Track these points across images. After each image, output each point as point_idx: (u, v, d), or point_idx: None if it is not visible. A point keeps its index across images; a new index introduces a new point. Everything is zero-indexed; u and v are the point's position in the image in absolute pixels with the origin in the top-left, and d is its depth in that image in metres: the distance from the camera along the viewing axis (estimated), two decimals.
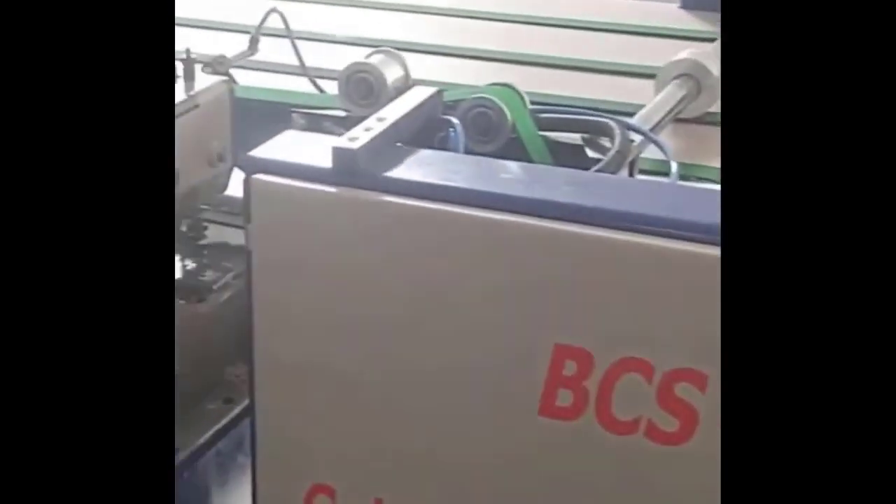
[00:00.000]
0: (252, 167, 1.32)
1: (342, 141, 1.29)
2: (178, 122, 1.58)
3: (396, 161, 1.30)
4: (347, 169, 1.27)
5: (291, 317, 1.33)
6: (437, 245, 1.23)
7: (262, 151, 1.33)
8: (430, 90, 1.44)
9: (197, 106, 1.61)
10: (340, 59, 1.99)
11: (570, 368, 1.19)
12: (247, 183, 1.31)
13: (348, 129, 1.67)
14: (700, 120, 1.88)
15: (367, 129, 1.32)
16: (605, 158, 1.42)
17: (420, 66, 1.74)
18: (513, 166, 1.31)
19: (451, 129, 1.41)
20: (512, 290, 1.21)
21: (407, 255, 1.25)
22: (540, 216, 1.19)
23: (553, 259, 1.18)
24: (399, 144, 1.35)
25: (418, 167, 1.29)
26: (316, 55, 1.95)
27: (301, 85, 1.92)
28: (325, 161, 1.29)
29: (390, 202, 1.25)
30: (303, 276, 1.31)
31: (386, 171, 1.27)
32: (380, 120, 1.35)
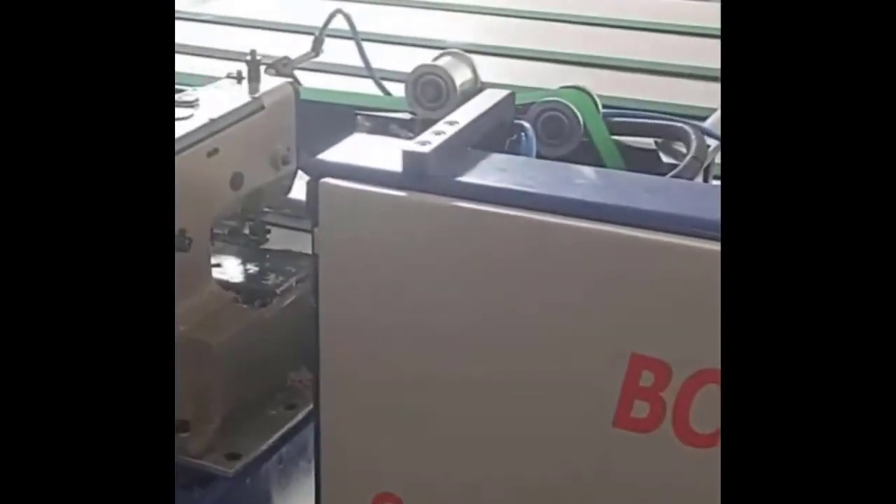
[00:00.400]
0: (320, 171, 1.29)
1: (413, 145, 1.27)
2: (243, 125, 1.56)
3: (468, 165, 1.27)
4: (418, 173, 1.25)
5: (359, 323, 1.31)
6: (510, 252, 1.21)
7: (331, 155, 1.31)
8: (502, 93, 1.41)
9: (262, 108, 1.59)
10: (405, 60, 1.98)
11: (646, 379, 1.16)
12: (315, 187, 1.29)
13: (414, 131, 1.67)
14: None
15: (438, 133, 1.30)
16: (682, 164, 1.39)
17: (487, 68, 1.71)
18: (589, 172, 1.28)
19: (522, 133, 1.38)
20: (588, 298, 1.18)
21: (479, 262, 1.22)
22: (618, 223, 1.16)
23: (631, 267, 1.16)
24: (470, 148, 1.33)
25: (491, 172, 1.26)
26: (380, 57, 1.93)
27: (365, 87, 1.90)
28: (395, 165, 1.26)
29: (462, 207, 1.22)
30: (371, 281, 1.29)
31: (458, 175, 1.25)
32: (451, 123, 1.33)
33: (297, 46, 1.87)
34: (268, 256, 1.69)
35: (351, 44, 1.91)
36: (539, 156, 1.39)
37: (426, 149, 1.26)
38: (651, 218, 1.16)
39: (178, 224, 1.42)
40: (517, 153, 1.38)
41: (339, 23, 1.86)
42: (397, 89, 1.86)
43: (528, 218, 1.19)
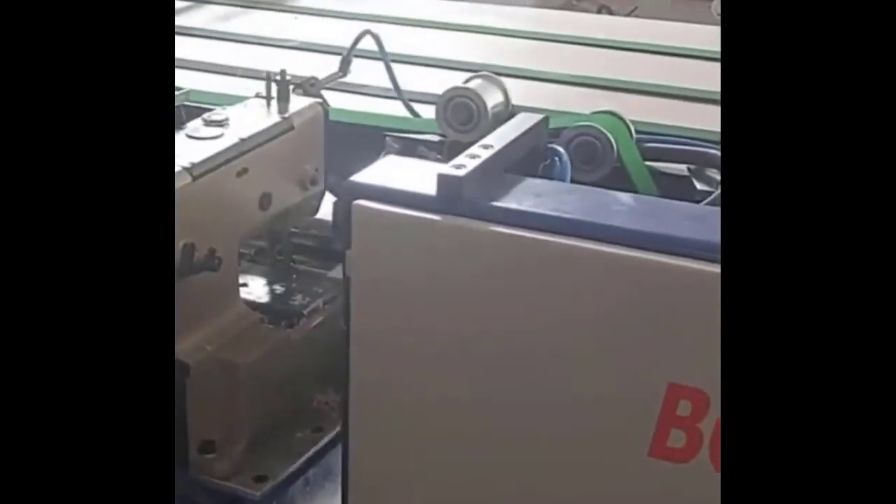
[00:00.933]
0: (353, 192, 1.29)
1: (448, 168, 1.26)
2: (272, 145, 1.56)
3: (504, 190, 1.26)
4: (453, 197, 1.24)
5: (390, 346, 1.30)
6: (546, 277, 1.20)
7: (364, 176, 1.31)
8: (536, 117, 1.41)
9: (292, 128, 1.59)
10: (433, 82, 1.98)
11: (684, 409, 1.15)
12: (348, 209, 1.28)
13: (443, 154, 1.66)
14: None
15: (473, 157, 1.29)
16: (717, 191, 1.38)
17: (516, 91, 1.71)
18: (626, 198, 1.27)
19: (556, 158, 1.37)
20: (625, 325, 1.17)
21: (514, 287, 1.22)
22: (657, 251, 1.15)
23: (669, 295, 1.15)
24: (504, 172, 1.32)
25: (526, 197, 1.25)
26: (407, 78, 1.93)
27: (392, 108, 1.89)
28: (429, 188, 1.26)
29: (498, 232, 1.22)
30: (403, 304, 1.28)
31: (493, 199, 1.24)
32: (485, 147, 1.32)
33: (315, 66, 1.87)
34: (294, 277, 1.68)
35: (376, 64, 1.91)
36: (572, 181, 1.38)
37: (461, 172, 1.25)
38: (690, 246, 1.15)
39: (208, 243, 1.42)
40: (551, 178, 1.37)
41: (366, 43, 1.86)
42: (424, 111, 1.85)
43: (565, 244, 1.18)
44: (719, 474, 1.14)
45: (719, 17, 4.37)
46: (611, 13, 5.28)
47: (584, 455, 1.22)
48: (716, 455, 1.15)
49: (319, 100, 1.68)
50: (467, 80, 1.64)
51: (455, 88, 1.60)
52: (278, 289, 1.65)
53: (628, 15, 4.85)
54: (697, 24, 2.59)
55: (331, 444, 1.51)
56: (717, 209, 1.34)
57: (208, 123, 1.54)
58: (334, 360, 1.50)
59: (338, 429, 1.49)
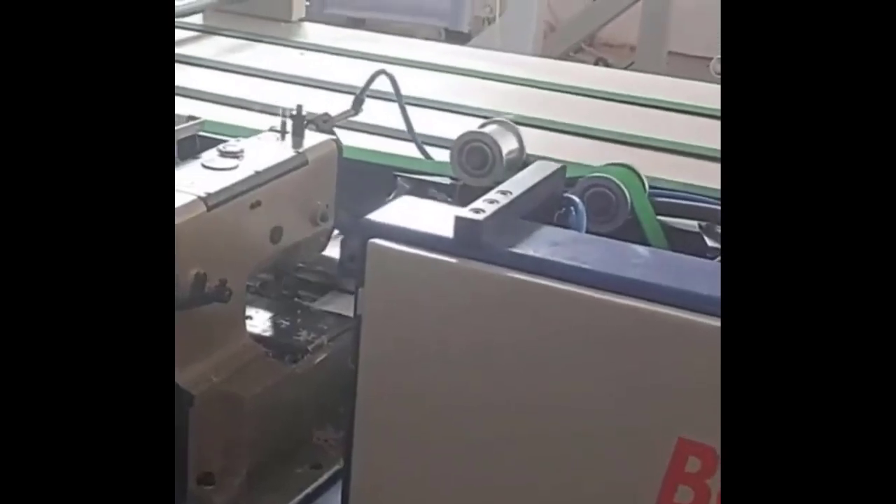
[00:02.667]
0: (369, 231, 1.28)
1: (465, 211, 1.26)
2: (286, 179, 1.55)
3: (521, 236, 1.26)
4: (470, 240, 1.24)
5: (398, 386, 1.29)
6: (561, 326, 1.19)
7: (380, 215, 1.30)
8: (553, 166, 1.41)
9: (306, 163, 1.58)
10: (439, 125, 1.98)
11: (693, 465, 1.15)
12: (363, 247, 1.28)
13: (454, 197, 1.66)
14: None
15: (491, 202, 1.29)
16: None
17: (527, 139, 1.71)
18: (643, 251, 1.27)
19: (572, 208, 1.37)
20: (638, 378, 1.17)
21: (528, 335, 1.21)
22: (672, 305, 1.15)
23: (684, 350, 1.15)
24: (521, 219, 1.32)
25: (544, 244, 1.25)
26: (420, 120, 1.93)
27: (401, 148, 1.89)
28: (446, 230, 1.26)
29: (514, 278, 1.21)
30: (414, 345, 1.27)
31: (510, 245, 1.24)
32: (503, 193, 1.32)
33: (323, 102, 1.87)
34: (299, 312, 1.67)
35: (386, 104, 1.91)
36: (587, 231, 1.38)
37: (480, 216, 1.25)
38: (705, 301, 1.15)
39: (219, 274, 1.41)
40: (566, 226, 1.37)
41: (381, 84, 1.86)
42: (434, 153, 1.85)
43: (581, 294, 1.18)
44: None
45: (718, 76, 4.40)
46: (607, 66, 5.32)
47: None
48: None
49: (334, 136, 1.67)
50: (483, 125, 1.64)
51: (471, 133, 1.60)
52: (283, 323, 1.64)
53: (625, 69, 4.88)
54: (703, 83, 2.60)
55: (330, 482, 1.50)
56: None
57: (223, 154, 1.54)
58: (335, 398, 1.51)
59: (336, 466, 1.48)
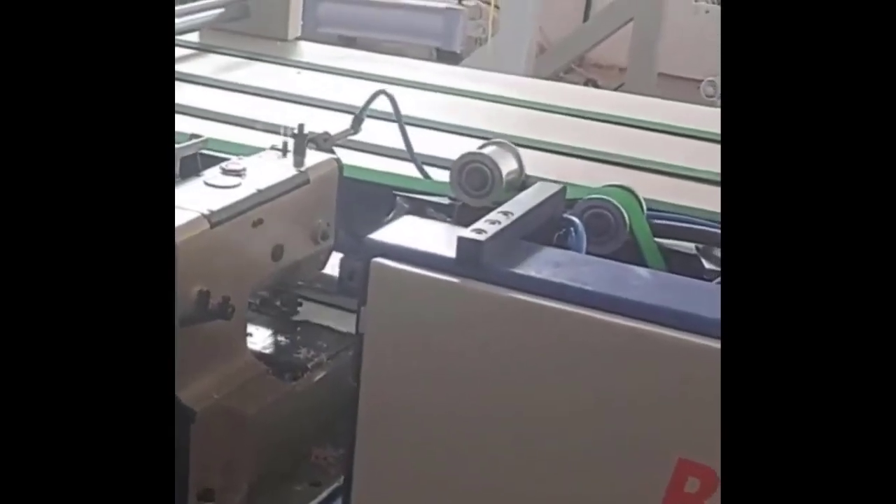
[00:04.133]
0: (372, 250, 1.29)
1: (467, 232, 1.27)
2: (288, 197, 1.56)
3: (522, 257, 1.27)
4: (472, 261, 1.25)
5: (400, 404, 1.30)
6: (562, 347, 1.20)
7: (383, 235, 1.31)
8: (554, 187, 1.42)
9: (308, 182, 1.59)
10: (436, 145, 1.98)
11: (692, 486, 1.16)
12: (367, 266, 1.28)
13: (453, 217, 1.67)
14: None
15: (493, 222, 1.30)
16: None
17: (526, 160, 1.71)
18: (643, 273, 1.28)
19: (572, 229, 1.38)
20: (639, 398, 1.17)
21: (529, 355, 1.22)
22: (672, 326, 1.16)
23: (684, 371, 1.15)
24: (521, 240, 1.33)
25: (545, 265, 1.26)
26: (418, 140, 1.93)
27: (400, 168, 1.89)
28: (448, 250, 1.26)
29: (515, 299, 1.22)
30: (416, 363, 1.28)
31: (512, 266, 1.25)
32: (505, 213, 1.33)
33: (321, 121, 1.87)
34: (299, 329, 1.67)
35: (386, 124, 1.91)
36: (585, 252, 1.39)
37: (482, 237, 1.26)
38: (705, 323, 1.15)
39: (222, 291, 1.41)
40: (565, 247, 1.38)
41: (381, 104, 1.86)
42: (431, 173, 1.85)
43: (583, 315, 1.19)
44: None
45: (709, 99, 4.42)
46: (597, 86, 5.34)
47: None
48: None
49: (335, 156, 1.68)
50: (482, 146, 1.64)
51: (471, 153, 1.60)
52: (283, 341, 1.64)
53: (615, 90, 4.90)
54: (696, 106, 2.61)
55: (329, 500, 1.50)
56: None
57: (226, 172, 1.54)
58: (334, 415, 1.51)
59: (336, 484, 1.48)
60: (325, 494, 1.51)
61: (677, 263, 1.49)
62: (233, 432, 1.43)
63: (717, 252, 1.48)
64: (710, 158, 2.10)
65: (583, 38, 5.67)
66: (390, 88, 1.95)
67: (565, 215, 1.41)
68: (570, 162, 1.99)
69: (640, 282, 1.25)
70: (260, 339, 1.63)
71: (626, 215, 1.46)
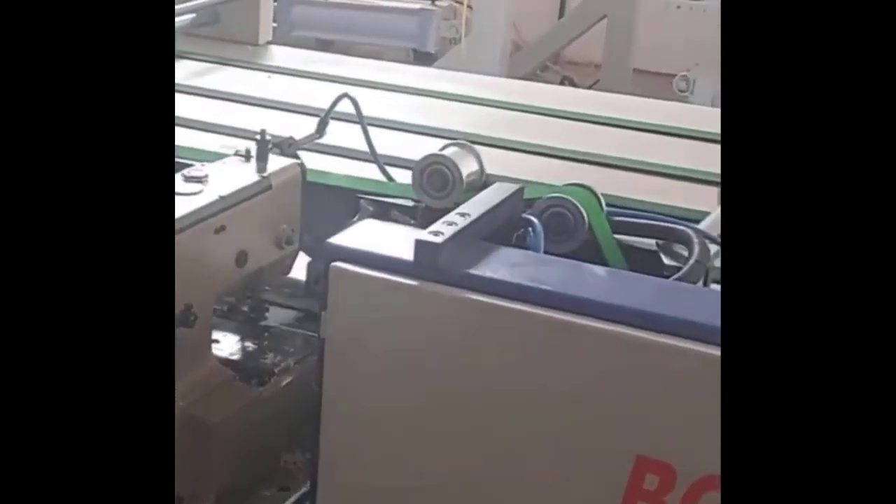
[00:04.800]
0: (331, 254, 1.28)
1: (425, 234, 1.26)
2: (251, 203, 1.55)
3: (480, 258, 1.26)
4: (430, 263, 1.24)
5: (361, 408, 1.29)
6: (521, 347, 1.19)
7: (342, 239, 1.30)
8: (512, 187, 1.41)
9: (270, 187, 1.58)
10: (406, 146, 1.98)
11: (651, 482, 1.15)
12: (326, 270, 1.28)
13: (416, 218, 1.66)
14: None
15: (450, 224, 1.29)
16: (686, 267, 1.38)
17: (489, 159, 1.71)
18: (600, 271, 1.27)
19: (530, 229, 1.37)
20: (596, 396, 1.17)
21: (488, 355, 1.21)
22: (631, 324, 1.15)
23: (641, 369, 1.15)
24: (480, 241, 1.32)
25: (503, 266, 1.25)
26: (387, 142, 1.93)
27: (367, 171, 1.89)
28: (407, 253, 1.25)
29: (473, 300, 1.21)
30: (377, 367, 1.27)
31: (470, 267, 1.24)
32: (462, 215, 1.32)
33: (288, 125, 1.86)
34: (266, 335, 1.66)
35: (353, 127, 1.90)
36: (545, 251, 1.38)
37: (439, 239, 1.25)
38: (662, 321, 1.15)
39: (184, 299, 1.40)
40: (524, 247, 1.37)
41: (340, 106, 1.85)
42: (396, 174, 1.85)
43: (540, 314, 1.18)
44: None
45: (682, 93, 4.42)
46: (573, 85, 5.32)
47: None
48: None
49: (298, 160, 1.67)
50: (443, 148, 1.63)
51: (431, 155, 1.59)
52: (249, 346, 1.63)
53: (590, 87, 4.89)
54: (664, 101, 2.61)
55: None
56: (687, 285, 1.35)
57: (188, 179, 1.53)
58: (303, 420, 1.49)
59: (304, 489, 1.47)
60: (293, 499, 1.50)
61: (638, 260, 1.48)
62: (199, 440, 1.41)
63: (677, 247, 1.48)
64: (678, 154, 2.10)
65: (557, 36, 5.64)
66: (361, 91, 1.95)
67: (524, 215, 1.40)
68: (540, 161, 1.99)
69: (597, 280, 1.25)
70: (227, 345, 1.62)
71: (584, 214, 1.45)
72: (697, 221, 1.64)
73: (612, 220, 1.49)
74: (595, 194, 1.51)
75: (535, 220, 1.38)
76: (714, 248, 1.49)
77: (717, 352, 1.11)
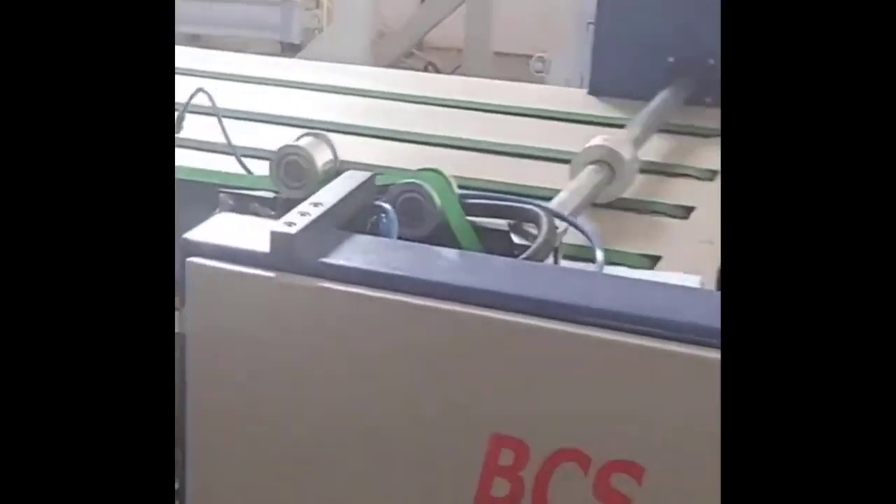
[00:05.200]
0: (187, 250, 1.25)
1: (279, 226, 1.24)
2: None
3: (334, 246, 1.24)
4: (285, 254, 1.22)
5: (225, 402, 1.26)
6: (376, 332, 1.18)
7: (198, 234, 1.27)
8: (364, 175, 1.39)
9: None
10: (266, 138, 1.94)
11: (506, 458, 1.14)
12: (182, 266, 1.24)
13: (276, 210, 1.63)
14: (613, 205, 1.85)
15: (304, 214, 1.27)
16: (534, 246, 1.38)
17: (346, 147, 1.69)
18: (450, 254, 1.26)
19: (383, 215, 1.36)
20: (449, 378, 1.16)
21: (345, 342, 1.20)
22: (478, 305, 1.14)
23: (491, 348, 1.14)
24: (335, 229, 1.30)
25: (356, 253, 1.23)
26: (242, 134, 1.89)
27: (227, 164, 1.85)
28: (262, 245, 1.23)
29: (329, 289, 1.19)
30: (238, 361, 1.24)
31: (324, 256, 1.22)
32: (315, 205, 1.29)
33: None
34: None
35: (213, 120, 1.87)
36: (400, 237, 1.37)
37: (293, 230, 1.23)
38: (510, 300, 1.14)
39: None
40: (379, 234, 1.35)
41: (199, 99, 1.82)
42: (260, 166, 1.82)
43: (393, 300, 1.17)
44: None
45: (538, 74, 4.44)
46: (437, 70, 5.33)
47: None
48: (538, 502, 1.13)
49: None
50: (298, 138, 1.61)
51: (287, 146, 1.57)
52: None
53: (453, 72, 4.89)
54: (523, 83, 2.62)
55: None
56: (533, 264, 1.34)
57: None
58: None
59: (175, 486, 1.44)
60: None
61: (492, 241, 1.47)
62: None
63: (527, 227, 1.47)
64: (534, 134, 2.11)
65: (420, 22, 5.64)
66: (222, 84, 1.91)
67: (377, 202, 1.38)
68: (399, 147, 1.98)
69: (448, 263, 1.24)
70: None
71: (435, 198, 1.43)
72: (548, 199, 1.64)
73: (463, 203, 1.48)
74: (445, 178, 1.49)
75: (387, 206, 1.37)
76: (562, 226, 1.49)
77: (563, 327, 1.11)
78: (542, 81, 4.06)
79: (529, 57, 4.76)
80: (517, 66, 4.92)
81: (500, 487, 1.14)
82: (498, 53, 5.38)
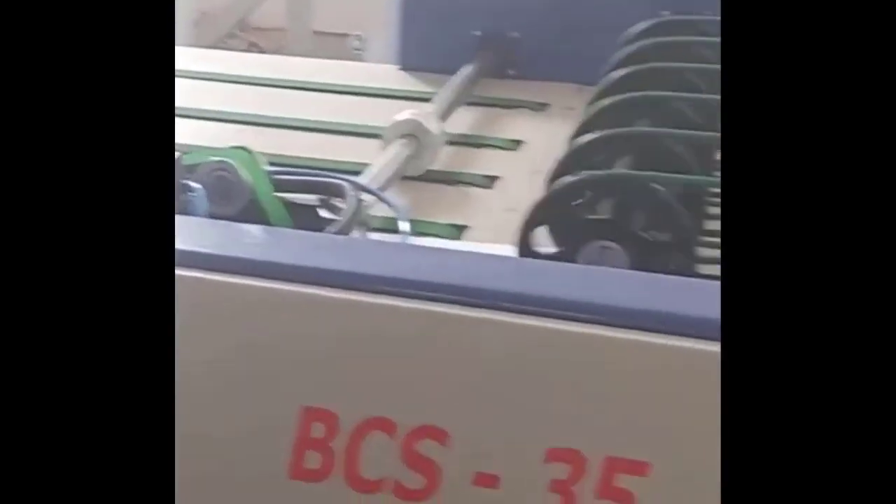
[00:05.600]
0: None
1: None
2: None
3: None
4: None
5: None
6: (185, 309, 1.14)
7: None
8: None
9: None
10: None
11: (317, 430, 1.12)
12: None
13: None
14: (422, 177, 1.84)
15: None
16: (343, 220, 1.36)
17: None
18: (256, 231, 1.23)
19: (191, 194, 1.32)
20: (256, 353, 1.13)
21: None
22: (283, 279, 1.11)
23: (295, 321, 1.12)
24: None
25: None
26: None
27: None
28: None
29: None
30: None
31: None
32: None
33: None
34: None
35: None
36: (211, 215, 1.34)
37: None
38: (318, 274, 1.12)
39: None
40: (188, 213, 1.31)
41: None
42: None
43: (199, 278, 1.13)
44: (354, 491, 1.12)
45: (356, 52, 4.40)
46: (260, 50, 5.23)
47: (235, 480, 1.16)
48: (349, 472, 1.11)
49: None
50: None
51: None
52: None
53: (276, 52, 4.82)
54: (338, 61, 2.61)
55: None
56: (337, 237, 1.32)
57: None
58: None
59: None
60: None
61: (303, 216, 1.45)
62: None
63: (336, 201, 1.45)
64: (349, 111, 2.09)
65: (242, 2, 5.54)
66: None
67: (184, 181, 1.34)
68: (213, 127, 1.94)
69: (253, 240, 1.21)
70: None
71: (244, 175, 1.40)
72: (360, 173, 1.62)
73: (273, 180, 1.45)
74: (253, 155, 1.46)
75: (195, 185, 1.33)
76: (370, 198, 1.47)
77: (366, 298, 1.09)
78: (360, 59, 4.03)
79: (348, 35, 4.72)
80: (338, 44, 4.87)
81: (313, 460, 1.12)
82: (318, 33, 5.31)
